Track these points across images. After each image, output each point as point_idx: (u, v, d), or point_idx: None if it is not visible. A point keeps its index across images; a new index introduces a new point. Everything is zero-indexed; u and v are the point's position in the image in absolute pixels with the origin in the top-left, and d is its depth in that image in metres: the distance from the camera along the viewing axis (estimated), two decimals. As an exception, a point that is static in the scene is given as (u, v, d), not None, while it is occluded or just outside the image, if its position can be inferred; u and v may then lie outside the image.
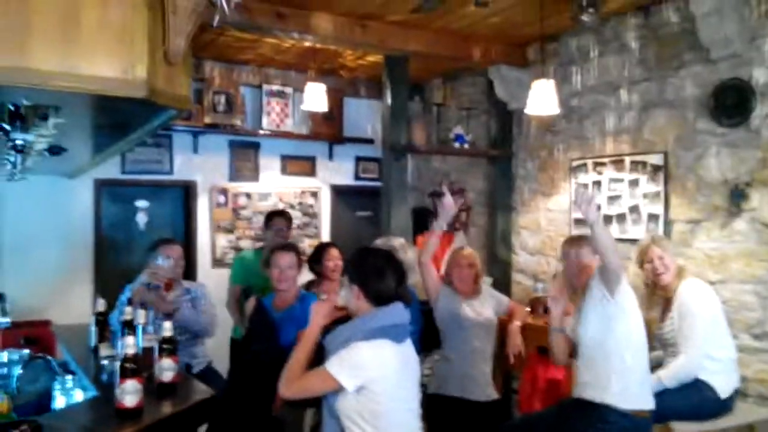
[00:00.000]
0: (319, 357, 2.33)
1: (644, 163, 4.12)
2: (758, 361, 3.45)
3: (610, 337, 2.76)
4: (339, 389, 2.22)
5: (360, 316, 2.34)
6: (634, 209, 4.18)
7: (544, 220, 4.95)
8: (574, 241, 3.16)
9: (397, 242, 3.62)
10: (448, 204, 3.30)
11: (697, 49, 3.76)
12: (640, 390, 2.78)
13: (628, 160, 4.23)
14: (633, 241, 3.98)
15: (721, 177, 3.67)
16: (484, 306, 3.59)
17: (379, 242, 3.66)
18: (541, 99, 3.81)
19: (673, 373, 3.07)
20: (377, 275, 2.36)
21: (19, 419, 2.24)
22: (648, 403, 2.79)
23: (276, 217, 4.42)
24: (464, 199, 5.42)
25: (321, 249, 3.94)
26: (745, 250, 3.55)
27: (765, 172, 3.46)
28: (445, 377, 3.49)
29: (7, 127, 2.32)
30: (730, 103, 3.61)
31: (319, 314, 2.41)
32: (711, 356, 3.11)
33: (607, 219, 4.33)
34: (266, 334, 2.95)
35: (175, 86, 2.20)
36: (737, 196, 3.57)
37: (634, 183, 4.18)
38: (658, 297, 3.31)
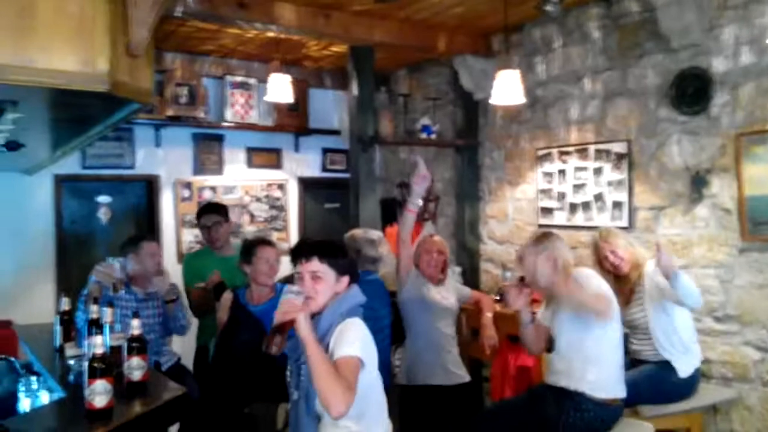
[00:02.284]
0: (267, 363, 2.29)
1: (608, 152, 4.18)
2: (721, 343, 3.56)
3: (588, 336, 2.79)
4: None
5: (332, 300, 2.29)
6: (598, 197, 4.24)
7: (511, 209, 4.99)
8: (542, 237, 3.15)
9: (376, 235, 3.60)
10: (422, 173, 3.33)
11: (658, 38, 3.83)
12: (615, 380, 2.82)
13: (592, 148, 4.29)
14: (597, 228, 4.04)
15: (682, 164, 3.75)
16: (449, 293, 3.62)
17: (358, 233, 3.63)
18: (506, 89, 3.82)
19: (689, 283, 3.02)
20: (348, 255, 2.41)
21: (-16, 424, 2.18)
22: (621, 392, 2.84)
23: (206, 213, 3.99)
24: (432, 188, 5.43)
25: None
26: (706, 235, 3.64)
27: (724, 159, 3.54)
28: (412, 367, 3.49)
29: (-38, 123, 2.24)
30: (690, 92, 3.69)
31: (304, 325, 2.12)
32: (680, 336, 3.19)
33: (573, 207, 4.40)
34: (251, 325, 2.93)
35: (137, 79, 2.15)
36: (698, 182, 3.66)
37: (598, 171, 4.25)
38: (621, 285, 3.37)
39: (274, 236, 5.79)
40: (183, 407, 2.57)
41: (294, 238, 5.98)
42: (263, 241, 3.30)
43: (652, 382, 3.12)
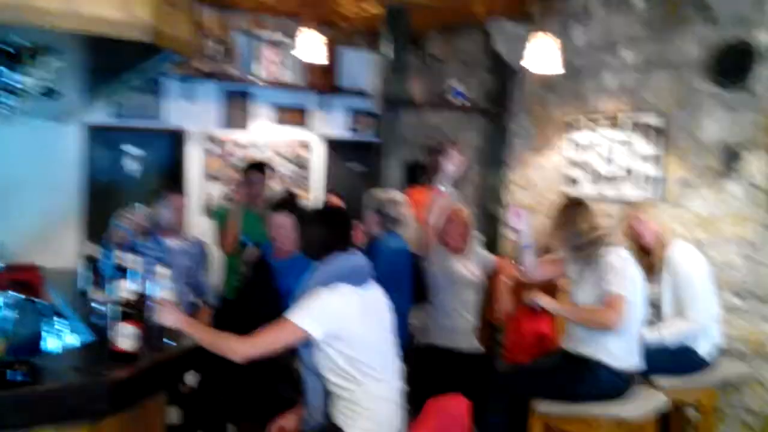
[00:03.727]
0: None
1: (641, 123, 4.11)
2: (740, 319, 3.55)
3: None
4: (306, 341, 2.25)
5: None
6: (628, 169, 4.19)
7: (536, 177, 4.96)
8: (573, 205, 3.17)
9: (398, 195, 3.61)
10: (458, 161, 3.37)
11: (703, 9, 3.72)
12: (633, 350, 2.85)
13: (625, 119, 4.23)
14: (628, 202, 4.02)
15: (717, 138, 3.69)
16: (474, 263, 3.65)
17: (379, 192, 3.64)
18: (542, 55, 3.76)
19: (676, 334, 3.15)
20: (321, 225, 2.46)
21: (13, 359, 2.23)
22: (638, 363, 2.87)
23: (254, 170, 4.21)
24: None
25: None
26: (735, 211, 3.59)
27: (761, 135, 3.47)
28: (433, 329, 3.56)
29: (2, 68, 2.26)
30: (731, 65, 3.60)
31: (170, 318, 2.39)
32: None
33: (601, 178, 4.36)
34: (266, 283, 2.96)
35: (179, 30, 2.14)
36: (731, 158, 3.60)
37: (629, 142, 4.19)
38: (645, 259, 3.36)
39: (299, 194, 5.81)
40: (203, 356, 2.60)
41: (316, 196, 6.00)
42: (278, 207, 3.31)
43: (670, 357, 3.14)
